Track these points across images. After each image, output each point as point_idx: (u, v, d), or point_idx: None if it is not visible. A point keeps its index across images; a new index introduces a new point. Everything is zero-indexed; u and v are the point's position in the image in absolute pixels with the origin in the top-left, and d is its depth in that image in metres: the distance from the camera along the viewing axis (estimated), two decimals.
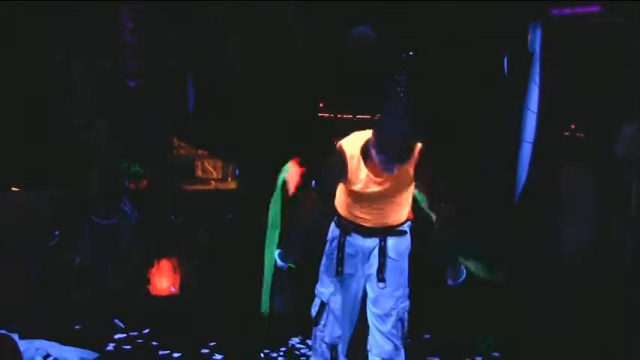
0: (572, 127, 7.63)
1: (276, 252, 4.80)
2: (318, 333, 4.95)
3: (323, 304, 4.90)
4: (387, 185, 4.61)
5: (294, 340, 6.38)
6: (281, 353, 6.18)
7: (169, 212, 8.05)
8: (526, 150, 7.33)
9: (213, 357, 6.19)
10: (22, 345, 5.66)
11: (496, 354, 6.32)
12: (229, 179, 8.97)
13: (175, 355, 6.18)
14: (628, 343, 6.13)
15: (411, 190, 4.80)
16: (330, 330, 4.91)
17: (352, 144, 4.61)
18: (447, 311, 6.80)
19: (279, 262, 4.77)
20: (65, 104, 7.66)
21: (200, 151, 8.88)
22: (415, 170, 4.61)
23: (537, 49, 7.38)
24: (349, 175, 4.61)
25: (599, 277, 6.83)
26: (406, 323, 4.82)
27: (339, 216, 4.86)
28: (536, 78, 7.31)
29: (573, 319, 6.57)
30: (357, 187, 4.65)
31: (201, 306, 7.12)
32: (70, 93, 7.69)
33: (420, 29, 7.61)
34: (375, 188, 4.63)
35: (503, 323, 6.75)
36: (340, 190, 4.81)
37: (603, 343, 6.16)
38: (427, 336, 6.63)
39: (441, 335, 6.63)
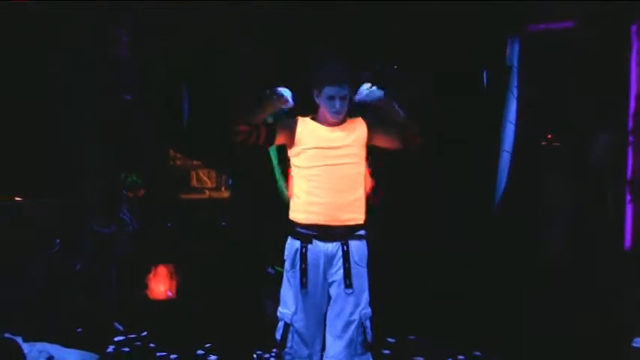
0: (549, 136, 7.62)
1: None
2: (286, 357, 4.67)
3: (287, 326, 4.65)
4: (340, 134, 4.59)
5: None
6: (272, 354, 6.04)
7: (166, 220, 7.98)
8: (505, 159, 7.40)
9: (208, 358, 6.22)
10: (26, 348, 5.71)
11: (477, 353, 6.29)
12: (223, 189, 8.94)
13: (172, 356, 6.23)
14: (610, 343, 6.13)
15: (363, 177, 4.70)
16: (297, 351, 4.65)
17: (303, 117, 4.73)
18: (430, 313, 6.82)
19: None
20: (63, 116, 7.62)
21: (195, 162, 8.84)
22: (373, 126, 4.68)
23: (515, 63, 7.46)
24: (297, 133, 4.62)
25: (577, 281, 6.85)
26: (369, 330, 4.64)
27: (296, 225, 4.65)
28: (515, 91, 7.38)
29: (556, 321, 6.56)
30: (314, 142, 4.59)
31: (196, 309, 7.13)
32: (68, 105, 7.64)
33: (402, 44, 7.57)
34: (330, 137, 4.59)
35: (488, 324, 6.70)
36: (295, 194, 4.69)
37: (585, 343, 6.15)
38: (412, 337, 6.62)
39: (425, 336, 6.60)
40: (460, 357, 6.21)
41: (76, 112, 7.67)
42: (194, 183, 8.92)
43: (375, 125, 4.69)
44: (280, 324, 4.66)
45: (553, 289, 6.90)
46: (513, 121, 7.37)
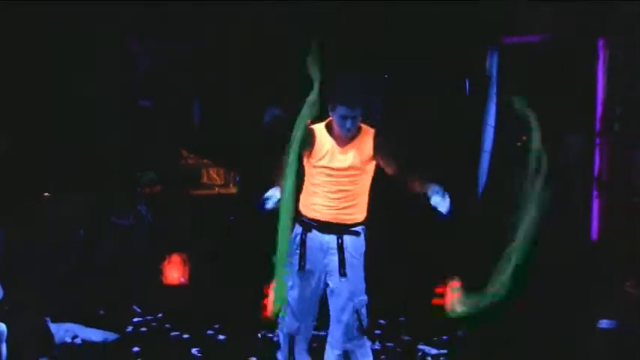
0: (524, 139, 7.34)
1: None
2: (280, 325, 4.89)
3: None
4: (350, 156, 4.62)
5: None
6: (277, 333, 5.89)
7: (179, 213, 8.12)
8: (485, 159, 7.65)
9: (218, 337, 6.40)
10: (54, 328, 5.93)
11: (459, 333, 6.42)
12: (231, 185, 9.03)
13: (185, 336, 6.40)
14: (578, 325, 6.14)
15: (367, 186, 4.77)
16: (288, 322, 4.82)
17: (318, 125, 4.72)
18: (418, 298, 6.96)
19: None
20: (88, 121, 7.81)
21: (205, 161, 8.94)
22: (378, 151, 4.65)
23: (494, 72, 7.68)
24: (315, 148, 4.64)
25: (548, 269, 6.84)
26: (364, 316, 4.74)
27: (302, 215, 4.77)
28: (494, 97, 7.60)
29: (530, 304, 6.50)
30: (325, 161, 4.65)
31: (206, 294, 7.29)
32: (92, 111, 7.84)
33: (395, 55, 7.83)
34: (339, 158, 4.63)
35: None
36: (305, 190, 4.80)
37: (555, 325, 6.23)
38: (402, 318, 6.82)
39: (413, 317, 6.80)
40: (444, 337, 6.39)
41: (99, 117, 7.89)
42: (204, 180, 9.00)
43: (380, 152, 4.66)
44: None
45: (526, 276, 6.87)
46: (492, 125, 7.62)
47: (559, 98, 7.21)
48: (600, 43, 7.14)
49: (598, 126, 7.18)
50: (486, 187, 7.70)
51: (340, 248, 4.72)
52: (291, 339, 4.89)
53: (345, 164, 4.67)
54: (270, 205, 4.53)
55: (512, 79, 7.63)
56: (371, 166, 4.76)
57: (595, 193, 7.13)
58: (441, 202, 4.41)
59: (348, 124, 4.57)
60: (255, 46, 8.12)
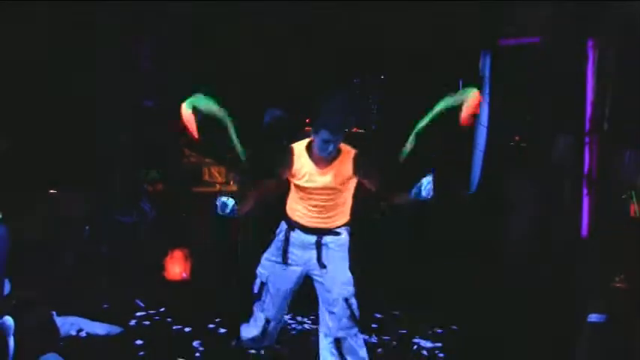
0: (517, 138, 7.94)
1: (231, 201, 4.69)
2: (259, 305, 5.08)
3: (262, 284, 5.03)
4: (328, 178, 4.73)
5: (285, 317, 6.16)
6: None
7: (181, 210, 8.24)
8: (478, 157, 7.77)
9: (218, 331, 6.46)
10: (59, 321, 5.96)
11: (454, 327, 6.53)
12: (231, 183, 9.01)
13: (187, 329, 6.45)
14: (568, 320, 6.14)
15: (348, 198, 4.89)
16: (269, 306, 5.04)
17: (299, 145, 4.86)
18: (413, 292, 7.14)
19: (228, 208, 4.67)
20: (93, 119, 7.87)
21: (207, 160, 9.01)
22: (358, 172, 4.76)
23: (487, 73, 7.78)
24: (294, 168, 4.78)
25: (539, 265, 7.14)
26: (355, 306, 4.86)
27: (288, 216, 4.99)
28: (486, 98, 7.64)
29: (521, 299, 6.75)
30: (303, 181, 4.78)
31: (207, 288, 7.35)
32: (97, 109, 7.89)
33: (390, 56, 7.94)
34: (318, 180, 4.75)
35: (463, 301, 6.94)
36: (290, 196, 4.98)
37: (547, 319, 6.30)
38: (396, 313, 6.89)
39: (407, 312, 6.87)
40: (439, 330, 6.49)
41: (102, 117, 7.93)
42: (206, 178, 9.05)
43: (360, 172, 4.77)
44: (257, 280, 5.08)
45: (518, 271, 7.16)
46: (485, 125, 7.70)
47: (550, 98, 7.37)
48: (590, 43, 7.22)
49: (587, 125, 7.24)
50: (479, 184, 7.83)
51: (318, 245, 4.91)
52: (267, 321, 5.12)
53: (323, 185, 4.80)
54: (227, 210, 4.74)
55: (504, 79, 7.79)
56: (352, 183, 4.88)
57: (585, 190, 7.20)
58: (422, 190, 4.47)
59: (330, 147, 4.66)
60: (255, 46, 8.22)
